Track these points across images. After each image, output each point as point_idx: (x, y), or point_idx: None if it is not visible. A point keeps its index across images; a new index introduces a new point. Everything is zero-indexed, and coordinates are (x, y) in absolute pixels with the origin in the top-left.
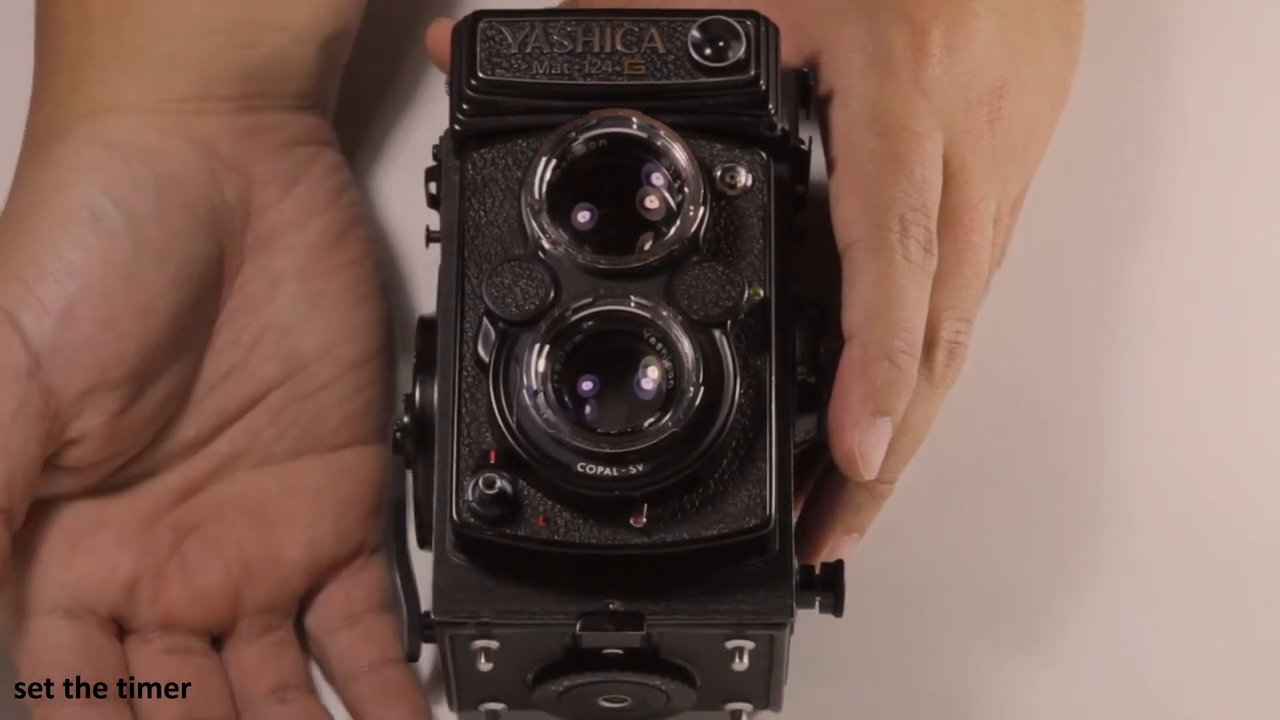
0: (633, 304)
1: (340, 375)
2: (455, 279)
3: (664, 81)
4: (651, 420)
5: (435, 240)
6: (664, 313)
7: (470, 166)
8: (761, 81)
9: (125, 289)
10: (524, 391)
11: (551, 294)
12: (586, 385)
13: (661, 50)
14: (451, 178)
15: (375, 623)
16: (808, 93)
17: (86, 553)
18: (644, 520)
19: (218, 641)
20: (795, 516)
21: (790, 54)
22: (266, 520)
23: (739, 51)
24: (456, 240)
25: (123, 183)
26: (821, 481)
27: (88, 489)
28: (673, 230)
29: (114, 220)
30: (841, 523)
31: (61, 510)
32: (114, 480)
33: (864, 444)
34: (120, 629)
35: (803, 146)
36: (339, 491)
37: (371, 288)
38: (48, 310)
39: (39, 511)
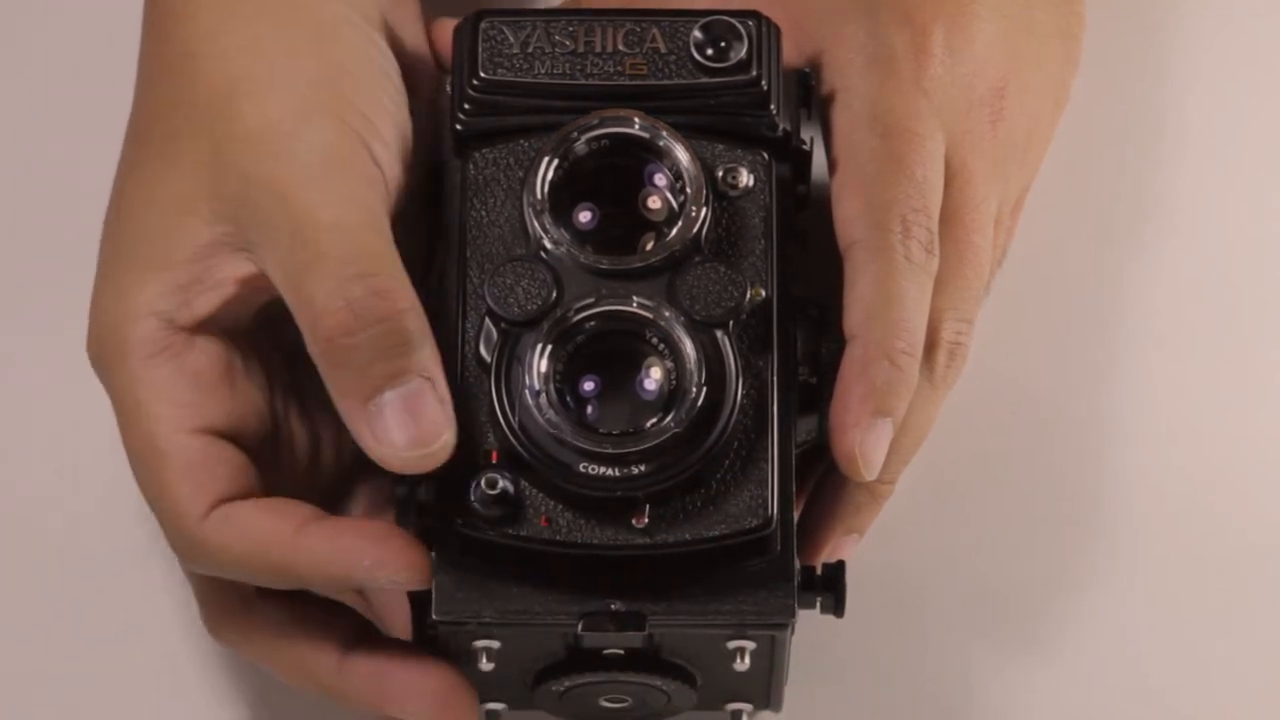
0: (635, 304)
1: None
2: (457, 279)
3: (666, 82)
4: (653, 421)
5: (436, 240)
6: (666, 313)
7: (472, 166)
8: (763, 82)
9: (413, 140)
10: (526, 392)
11: (553, 294)
12: (588, 385)
13: (663, 50)
14: (453, 177)
15: None
16: (809, 93)
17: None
18: (645, 520)
19: None
20: (796, 517)
21: (791, 54)
22: None
23: (741, 52)
24: (458, 240)
25: (377, 44)
26: (822, 482)
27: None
28: (674, 230)
29: (395, 77)
30: (842, 523)
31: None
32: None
33: (864, 444)
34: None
35: (804, 147)
36: None
37: None
38: (389, 146)
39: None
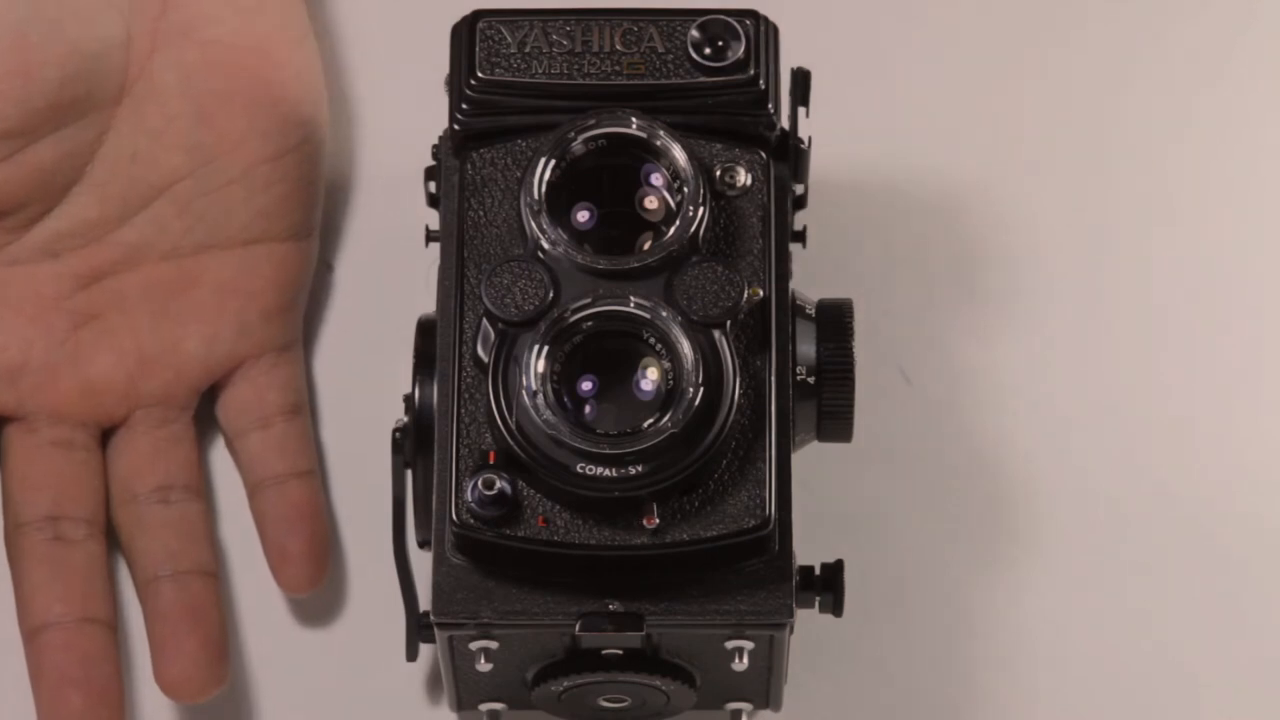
0: (632, 304)
1: (250, 169)
2: (454, 279)
3: (663, 81)
4: (651, 421)
5: (435, 240)
6: (663, 313)
7: (469, 166)
8: (761, 81)
9: (9, 51)
10: (523, 392)
11: (551, 294)
12: (586, 386)
13: (661, 50)
14: (451, 177)
15: (287, 427)
16: (807, 91)
17: None
18: (656, 521)
19: (111, 434)
20: None
21: None
22: (168, 313)
23: (738, 51)
24: (456, 240)
25: None
26: None
27: None
28: (672, 230)
29: None
30: None
31: None
32: (13, 254)
33: None
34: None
35: (802, 146)
36: (243, 287)
37: (294, 86)
38: None
39: None
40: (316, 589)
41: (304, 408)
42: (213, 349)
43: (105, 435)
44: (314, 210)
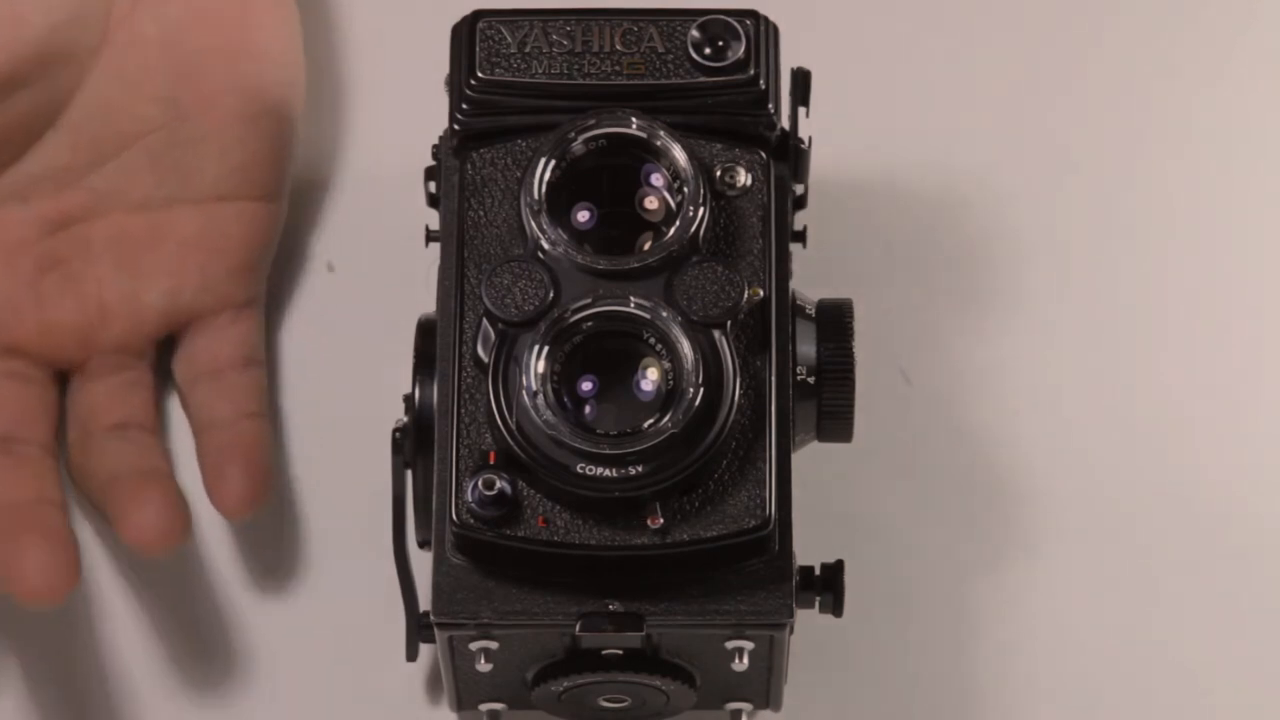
0: (632, 304)
1: (224, 126)
2: (454, 279)
3: (663, 81)
4: (651, 421)
5: (435, 240)
6: (663, 313)
7: (469, 166)
8: (761, 81)
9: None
10: (523, 392)
11: (551, 294)
12: (586, 386)
13: (661, 50)
14: (451, 177)
15: (238, 378)
16: (807, 91)
17: None
18: (660, 521)
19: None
20: None
21: None
22: (132, 263)
23: (738, 51)
24: (456, 240)
25: None
26: None
27: None
28: (672, 230)
29: None
30: None
31: None
32: None
33: None
34: None
35: (802, 145)
36: (209, 243)
37: (272, 45)
38: None
39: None
40: (253, 512)
41: (259, 362)
42: (174, 302)
43: (62, 381)
44: (285, 172)
